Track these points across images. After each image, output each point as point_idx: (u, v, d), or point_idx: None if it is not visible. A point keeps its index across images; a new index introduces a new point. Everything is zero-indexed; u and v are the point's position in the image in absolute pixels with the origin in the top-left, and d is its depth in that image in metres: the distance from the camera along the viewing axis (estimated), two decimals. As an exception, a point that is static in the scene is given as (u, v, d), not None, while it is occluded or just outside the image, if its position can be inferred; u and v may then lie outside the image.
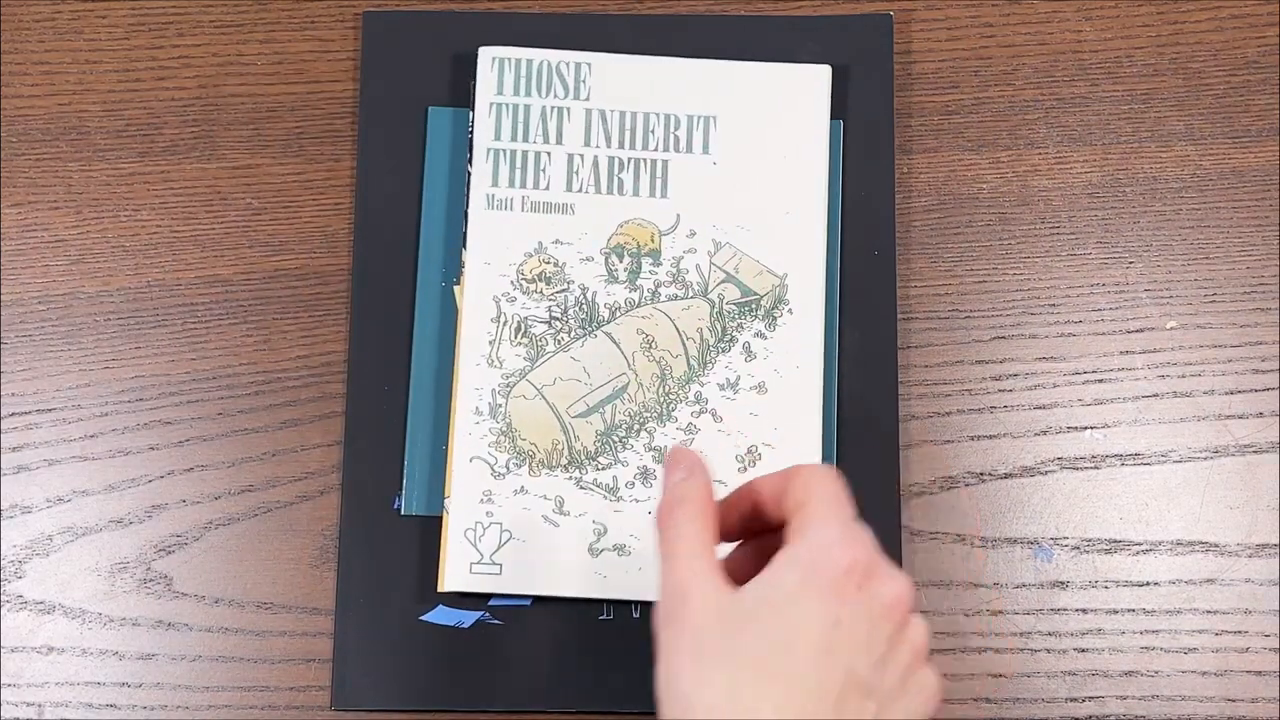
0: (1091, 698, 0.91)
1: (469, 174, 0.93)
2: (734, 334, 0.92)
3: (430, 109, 0.95)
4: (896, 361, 0.93)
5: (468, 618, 0.90)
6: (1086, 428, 0.93)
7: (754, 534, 0.75)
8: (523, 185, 0.94)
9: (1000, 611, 0.91)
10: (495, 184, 0.93)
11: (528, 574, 0.89)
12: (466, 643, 0.90)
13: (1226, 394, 0.93)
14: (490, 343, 0.92)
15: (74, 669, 0.91)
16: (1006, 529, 0.92)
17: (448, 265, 0.93)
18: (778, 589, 0.68)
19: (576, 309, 0.93)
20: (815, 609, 0.67)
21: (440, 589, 0.89)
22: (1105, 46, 0.97)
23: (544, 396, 0.91)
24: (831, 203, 0.93)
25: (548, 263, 0.93)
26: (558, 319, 0.92)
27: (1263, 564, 0.92)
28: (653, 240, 0.93)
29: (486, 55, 0.94)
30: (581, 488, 0.91)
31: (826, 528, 0.70)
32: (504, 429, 0.91)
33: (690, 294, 0.93)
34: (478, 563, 0.89)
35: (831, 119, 0.95)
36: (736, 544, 0.77)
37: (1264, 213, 0.95)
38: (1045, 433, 0.93)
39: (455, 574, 0.89)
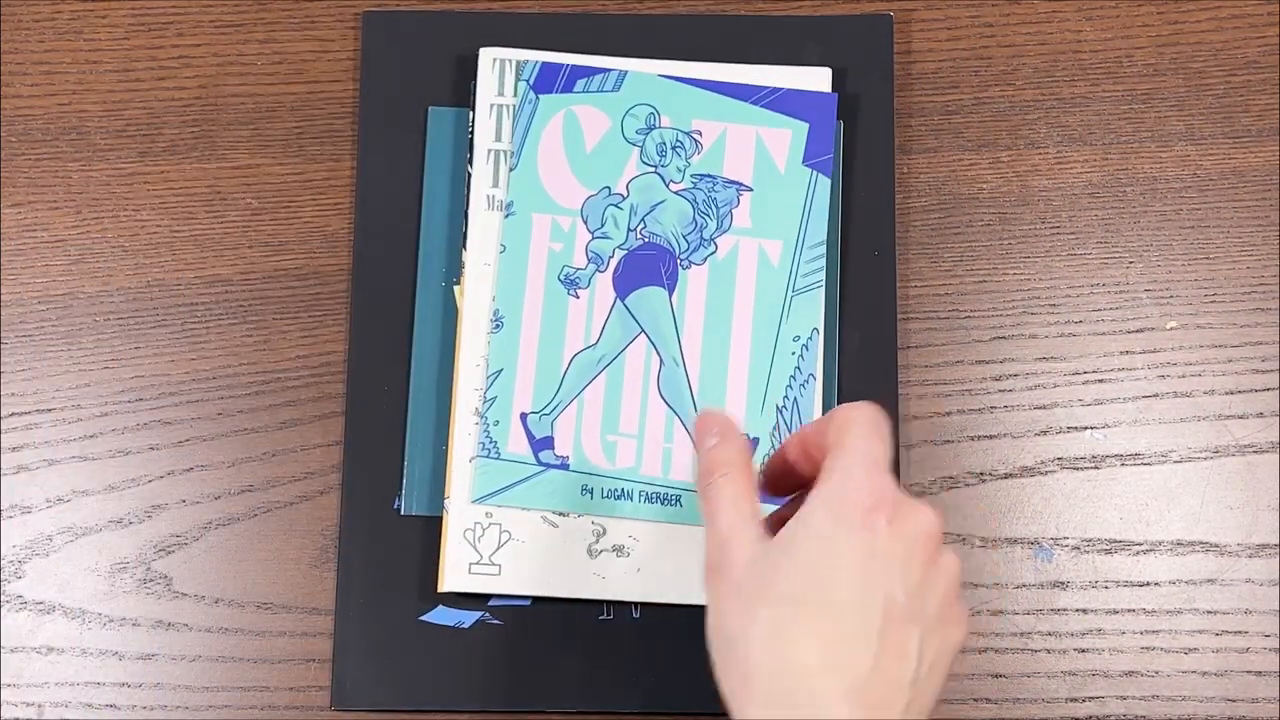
0: (1092, 698, 0.91)
1: (469, 174, 0.93)
2: (734, 334, 0.94)
3: (431, 109, 0.95)
4: (896, 361, 0.93)
5: (468, 618, 0.90)
6: (1086, 428, 0.93)
7: (802, 485, 0.76)
8: (523, 185, 0.96)
9: (1000, 611, 0.91)
10: (496, 184, 0.93)
11: (527, 574, 0.89)
12: (466, 643, 0.90)
13: (1226, 394, 0.93)
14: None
15: (74, 669, 0.91)
16: (1006, 529, 0.92)
17: (448, 265, 0.93)
18: (809, 527, 0.70)
19: (576, 309, 0.94)
20: (848, 542, 0.69)
21: (440, 589, 0.89)
22: (1105, 46, 0.97)
23: (544, 396, 0.93)
24: (832, 203, 0.93)
25: (548, 263, 0.95)
26: (558, 319, 0.94)
27: (1263, 564, 0.92)
28: (653, 240, 0.95)
29: (487, 56, 0.94)
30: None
31: (852, 465, 0.71)
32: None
33: (690, 294, 0.95)
34: (477, 563, 0.89)
35: (831, 119, 0.96)
36: (788, 499, 0.79)
37: (1264, 213, 0.95)
38: (1045, 433, 0.93)
39: (454, 574, 0.89)
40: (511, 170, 0.93)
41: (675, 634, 0.90)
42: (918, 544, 0.70)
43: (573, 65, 0.94)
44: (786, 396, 0.90)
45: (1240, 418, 0.93)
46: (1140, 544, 0.92)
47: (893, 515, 0.70)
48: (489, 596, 0.90)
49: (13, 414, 0.93)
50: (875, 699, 0.68)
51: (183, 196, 0.96)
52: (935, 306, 0.94)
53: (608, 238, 0.92)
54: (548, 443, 0.90)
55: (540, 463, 0.90)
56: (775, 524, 0.74)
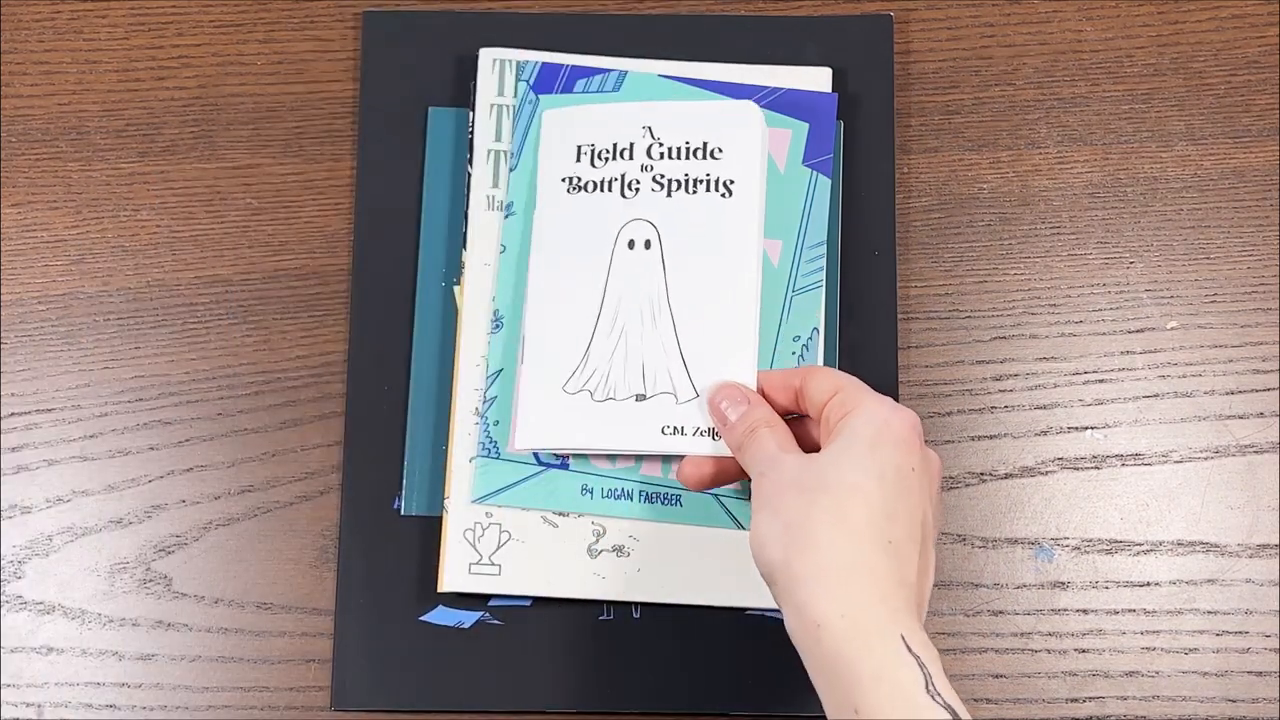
0: (1092, 698, 0.91)
1: (469, 175, 0.93)
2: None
3: (431, 109, 0.95)
4: (896, 361, 0.93)
5: (468, 618, 0.90)
6: (1087, 428, 0.93)
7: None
8: (523, 185, 0.96)
9: (1000, 611, 0.91)
10: (495, 185, 0.93)
11: (526, 575, 0.89)
12: (466, 643, 0.90)
13: (1227, 394, 0.93)
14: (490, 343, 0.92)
15: (74, 669, 0.91)
16: (1006, 529, 0.92)
17: (448, 265, 0.93)
18: (855, 443, 0.78)
19: (576, 309, 0.94)
20: (893, 455, 0.77)
21: (440, 589, 0.89)
22: (1105, 46, 0.97)
23: (544, 396, 0.93)
24: (832, 203, 0.93)
25: (548, 263, 0.94)
26: (558, 319, 0.94)
27: (1263, 564, 0.92)
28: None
29: (487, 57, 0.94)
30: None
31: (879, 402, 0.80)
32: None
33: (690, 294, 0.95)
34: (477, 563, 0.89)
35: (832, 119, 0.96)
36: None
37: (1264, 213, 0.95)
38: (1045, 433, 0.93)
39: (454, 574, 0.89)
40: (511, 170, 0.93)
41: (675, 634, 0.90)
42: (937, 472, 0.80)
43: (573, 65, 0.94)
44: None
45: (1240, 418, 0.93)
46: (1140, 544, 0.92)
47: (922, 442, 0.79)
48: (489, 596, 0.90)
49: (13, 414, 0.93)
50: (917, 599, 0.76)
51: (183, 196, 0.96)
52: (935, 306, 0.94)
53: None
54: None
55: (540, 462, 0.90)
56: None
